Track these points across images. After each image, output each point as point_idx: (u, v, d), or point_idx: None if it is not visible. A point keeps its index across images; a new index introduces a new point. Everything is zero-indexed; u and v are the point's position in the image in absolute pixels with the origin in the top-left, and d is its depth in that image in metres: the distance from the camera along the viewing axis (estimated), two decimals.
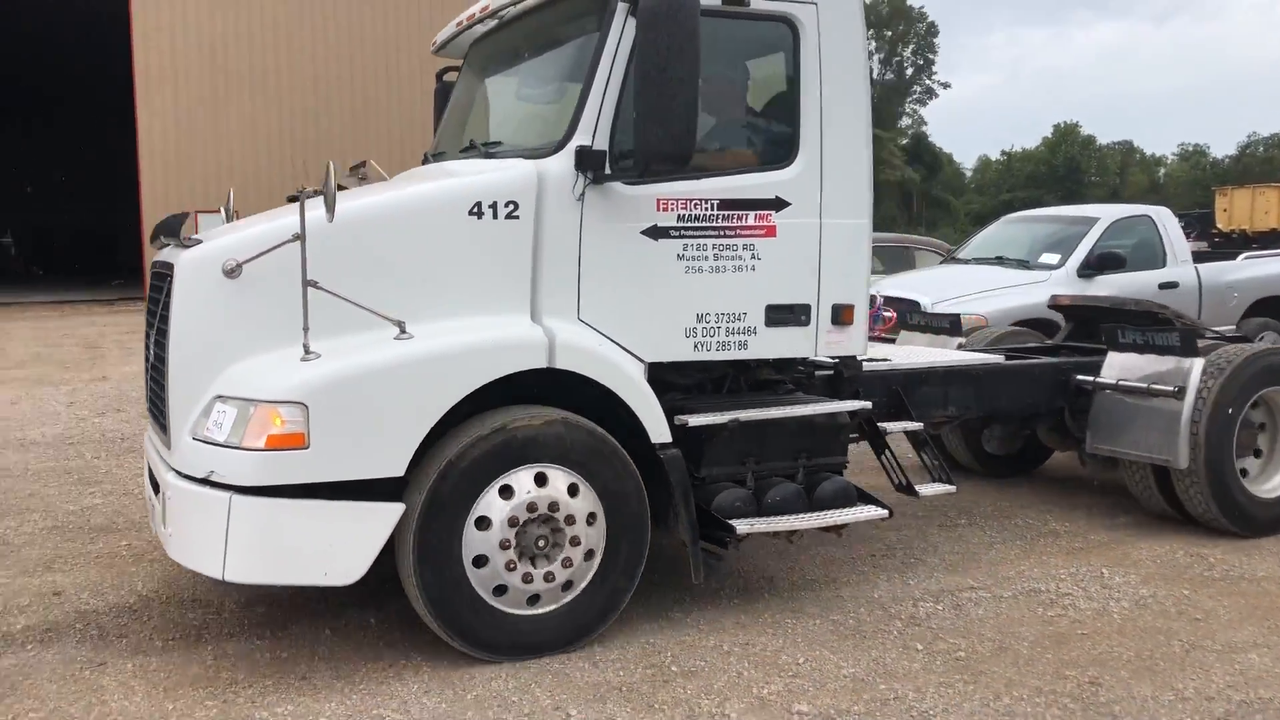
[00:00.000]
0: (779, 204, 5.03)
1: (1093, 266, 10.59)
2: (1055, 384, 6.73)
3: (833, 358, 5.46)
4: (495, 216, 4.59)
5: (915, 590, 5.56)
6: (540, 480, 4.49)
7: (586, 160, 4.65)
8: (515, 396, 4.58)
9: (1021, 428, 7.28)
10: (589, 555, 4.63)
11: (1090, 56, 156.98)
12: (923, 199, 74.86)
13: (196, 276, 4.41)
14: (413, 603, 4.51)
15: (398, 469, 4.27)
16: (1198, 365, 6.14)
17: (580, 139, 4.67)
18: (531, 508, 4.47)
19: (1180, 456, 6.10)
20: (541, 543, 4.53)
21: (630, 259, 4.79)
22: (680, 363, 5.06)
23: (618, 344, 4.78)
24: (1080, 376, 6.65)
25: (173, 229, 4.68)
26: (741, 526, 4.89)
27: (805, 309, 5.14)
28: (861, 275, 5.27)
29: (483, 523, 4.42)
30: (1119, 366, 6.50)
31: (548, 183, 4.65)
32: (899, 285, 11.02)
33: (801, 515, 5.07)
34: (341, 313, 4.32)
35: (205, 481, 4.24)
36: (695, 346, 4.95)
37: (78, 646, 4.79)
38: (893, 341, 8.13)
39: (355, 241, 4.48)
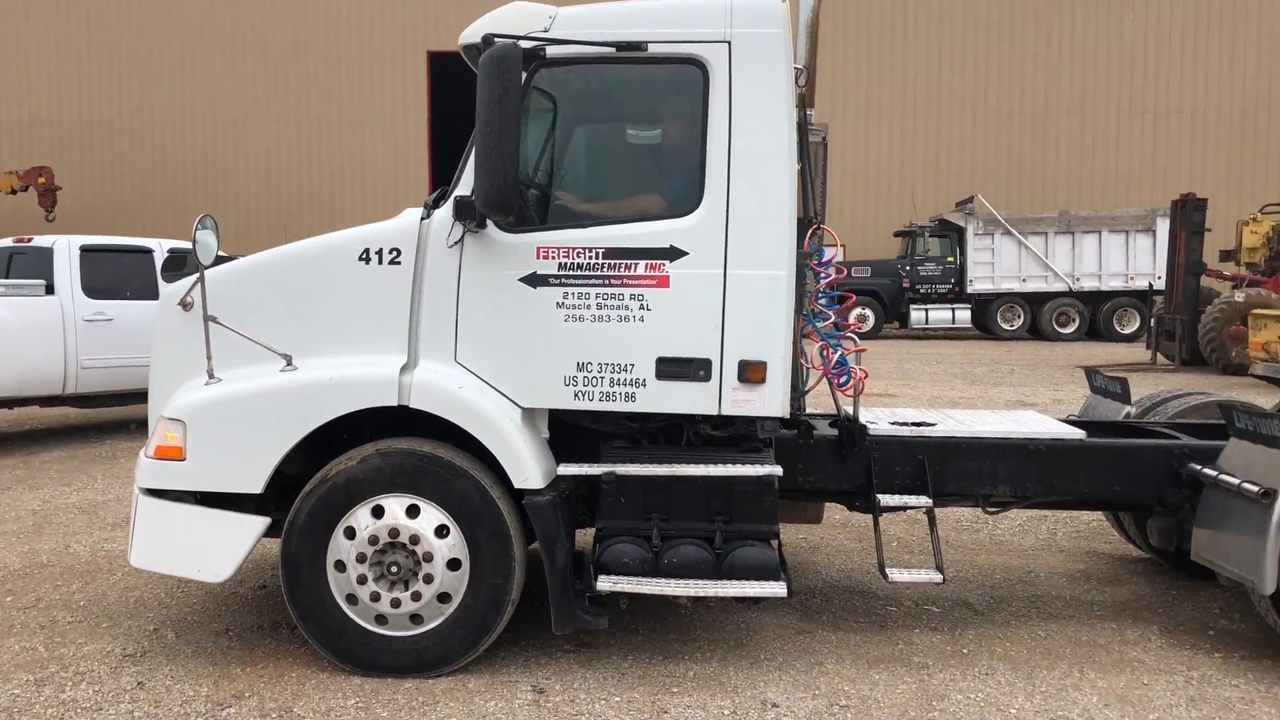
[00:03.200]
0: (674, 253, 4.82)
1: None
2: (1162, 470, 5.48)
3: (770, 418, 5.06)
4: (381, 262, 4.99)
5: None
6: (378, 512, 4.81)
7: (463, 210, 4.87)
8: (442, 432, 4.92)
9: (1180, 521, 5.95)
10: (453, 565, 4.84)
11: None
12: None
13: (166, 308, 5.33)
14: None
15: (255, 486, 4.86)
16: None
17: (461, 189, 4.90)
18: (374, 540, 4.80)
19: (1265, 579, 4.72)
20: (395, 568, 4.84)
21: (507, 305, 4.91)
22: (604, 413, 5.05)
23: (494, 388, 4.93)
24: (1192, 465, 5.36)
25: (180, 263, 5.66)
26: (603, 583, 4.80)
27: (705, 364, 4.85)
28: (778, 331, 4.83)
29: (340, 566, 4.86)
30: (1230, 456, 5.15)
31: (430, 231, 4.95)
32: None
33: (689, 581, 4.83)
34: (252, 346, 5.00)
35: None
36: (575, 395, 4.91)
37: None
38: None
39: (266, 282, 5.13)
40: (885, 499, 5.34)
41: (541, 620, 5.07)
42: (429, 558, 4.82)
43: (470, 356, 4.95)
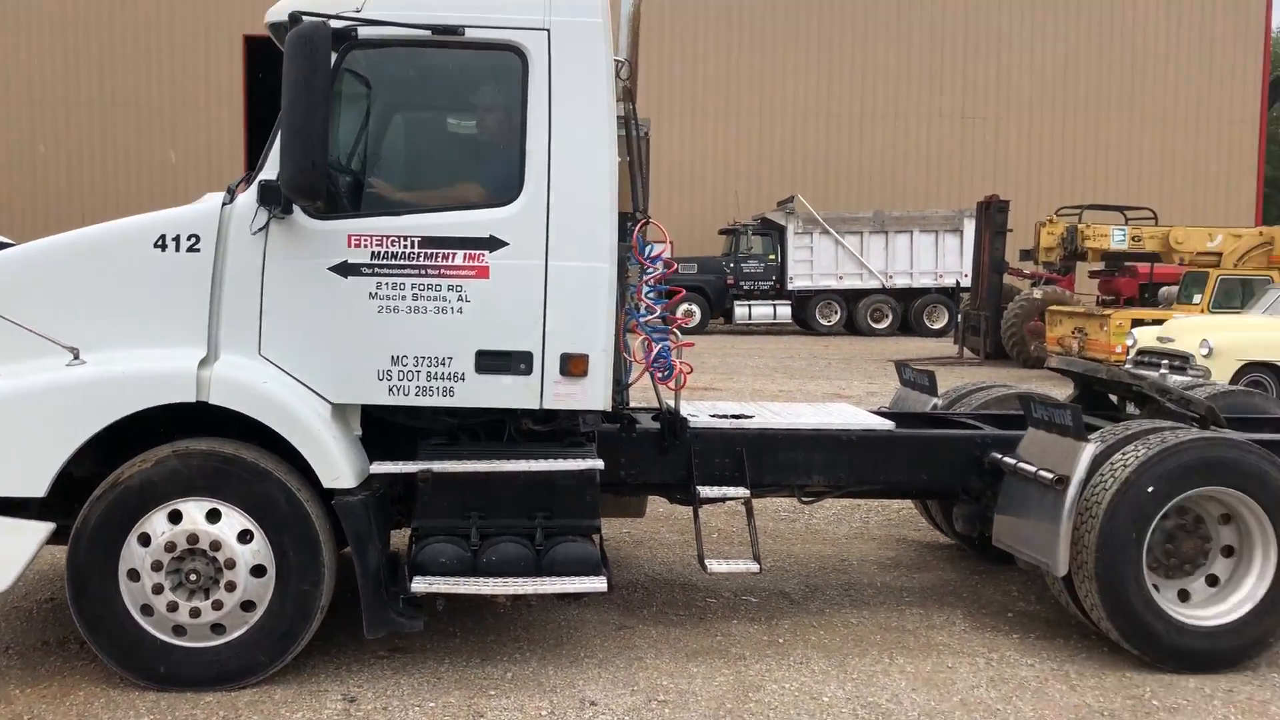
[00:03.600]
0: (494, 244, 4.71)
1: None
2: (966, 459, 5.70)
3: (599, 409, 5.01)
4: (178, 249, 4.69)
5: None
6: (175, 518, 4.53)
7: (268, 194, 4.62)
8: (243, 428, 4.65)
9: (983, 508, 6.19)
10: (257, 571, 4.59)
11: None
12: None
13: None
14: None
15: (37, 490, 4.50)
16: (1086, 452, 4.95)
17: (267, 173, 4.65)
18: (170, 547, 4.52)
19: (1059, 561, 4.96)
20: (194, 576, 4.56)
21: (316, 296, 4.69)
22: (421, 408, 4.88)
23: (302, 383, 4.70)
24: (994, 454, 5.59)
25: None
26: (418, 584, 4.65)
27: (526, 357, 4.76)
28: (599, 323, 4.78)
29: (133, 575, 4.54)
30: (1028, 445, 5.40)
31: (231, 217, 4.68)
32: None
33: (509, 580, 4.74)
34: (35, 339, 4.61)
35: None
36: (390, 390, 4.74)
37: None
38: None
39: (50, 270, 4.76)
40: (705, 491, 5.37)
41: (354, 625, 4.87)
42: (231, 564, 4.56)
43: (276, 350, 4.71)
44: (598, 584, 4.73)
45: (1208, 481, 4.97)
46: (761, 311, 29.47)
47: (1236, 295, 18.06)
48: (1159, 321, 16.76)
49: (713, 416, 5.75)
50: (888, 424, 5.80)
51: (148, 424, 4.66)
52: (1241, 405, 6.58)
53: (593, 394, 4.82)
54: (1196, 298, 18.30)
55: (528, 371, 4.77)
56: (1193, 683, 4.96)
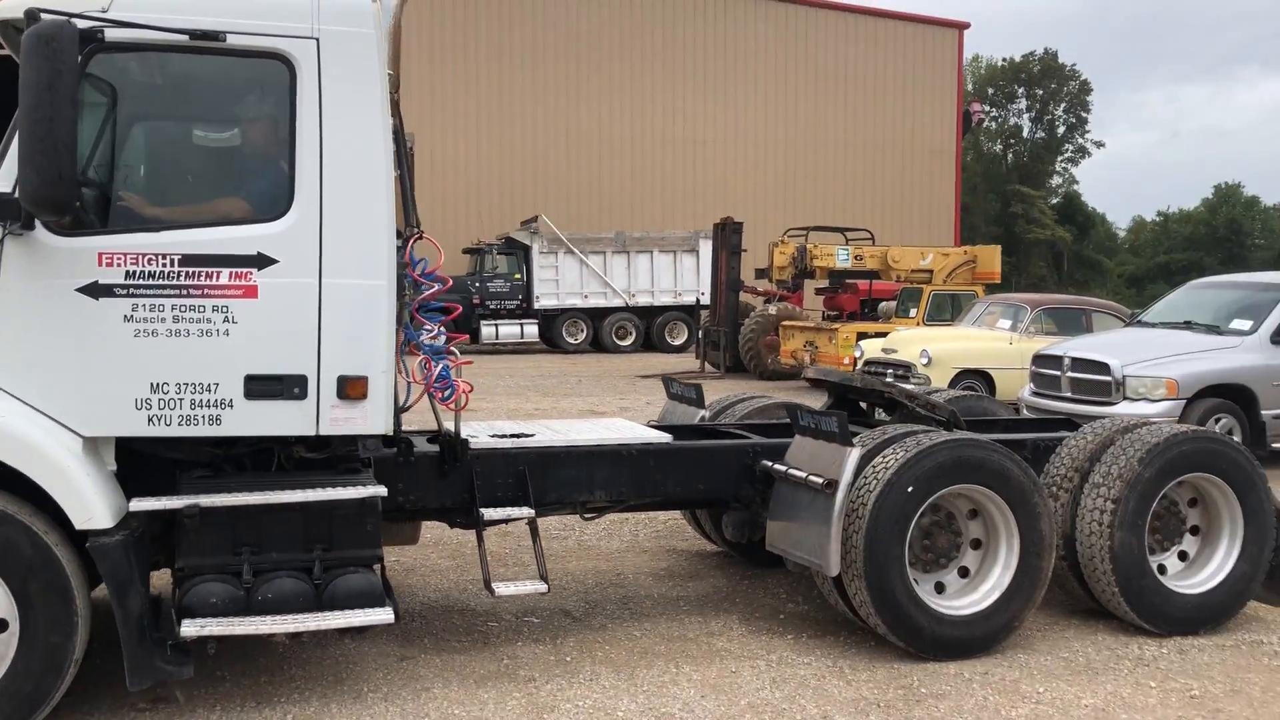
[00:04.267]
0: (261, 261, 4.45)
1: None
2: (739, 468, 5.90)
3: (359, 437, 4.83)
4: None
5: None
6: None
7: (3, 208, 4.18)
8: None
9: (752, 516, 6.40)
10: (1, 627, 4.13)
11: (1256, 115, 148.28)
12: (1073, 259, 72.69)
13: None
14: None
15: None
16: (853, 456, 5.24)
17: (0, 184, 4.21)
18: None
19: (830, 562, 5.21)
20: None
21: (62, 320, 4.28)
22: (174, 439, 4.53)
23: (47, 415, 4.27)
24: (764, 461, 5.81)
25: None
26: (188, 628, 4.31)
27: (300, 380, 4.53)
28: (378, 343, 4.62)
29: None
30: (796, 452, 5.64)
31: None
32: (1087, 347, 11.96)
33: (286, 616, 4.46)
34: None
35: None
36: (150, 420, 4.39)
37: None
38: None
39: None
40: (489, 513, 5.28)
41: (112, 676, 4.46)
42: None
43: (14, 380, 4.26)
44: (384, 615, 4.55)
45: (959, 480, 5.36)
46: (508, 331, 29.43)
47: (947, 309, 19.68)
48: (882, 334, 18.00)
49: (493, 436, 5.67)
50: (665, 437, 5.92)
51: None
52: (974, 408, 7.15)
53: (373, 418, 4.64)
54: (913, 311, 19.77)
55: (302, 396, 4.53)
56: (953, 669, 5.31)
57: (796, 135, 37.87)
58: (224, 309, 4.42)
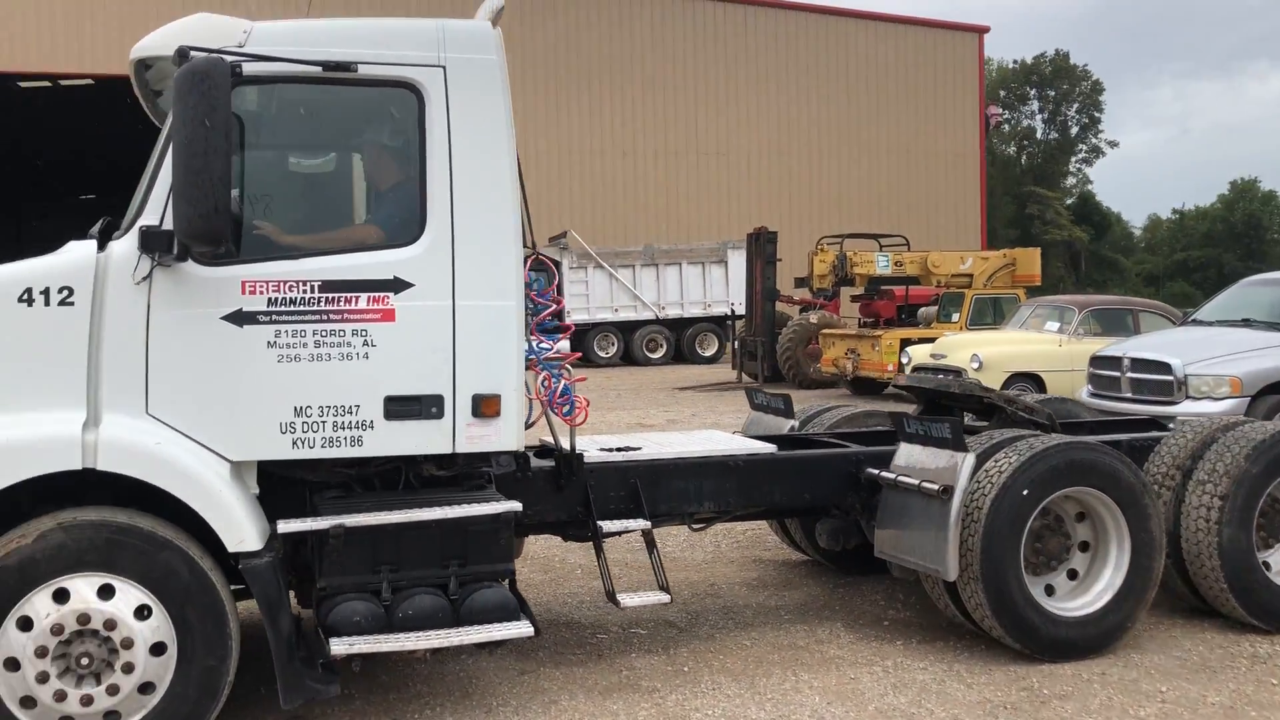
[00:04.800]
0: (398, 285, 4.56)
1: None
2: (844, 477, 5.96)
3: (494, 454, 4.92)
4: (48, 303, 4.28)
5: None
6: (61, 597, 4.10)
7: (152, 241, 4.30)
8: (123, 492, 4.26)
9: (856, 522, 6.46)
10: (156, 649, 4.21)
11: (1266, 110, 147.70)
12: (1091, 259, 72.57)
13: None
14: None
15: None
16: (967, 461, 5.30)
17: (148, 218, 4.33)
18: (58, 629, 4.08)
19: (949, 566, 5.27)
20: (86, 660, 4.13)
21: (209, 348, 4.39)
22: (318, 460, 4.63)
23: (197, 441, 4.38)
24: (870, 469, 5.87)
25: None
26: (338, 646, 4.39)
27: (437, 400, 4.63)
28: (509, 362, 4.72)
29: (12, 664, 4.07)
30: (904, 460, 5.70)
31: (109, 267, 4.32)
32: (1147, 347, 11.84)
33: (430, 633, 4.55)
34: None
35: None
36: (294, 443, 4.49)
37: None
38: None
39: None
40: (607, 525, 5.36)
41: (251, 697, 4.55)
42: (128, 644, 4.16)
43: (165, 408, 4.36)
44: (523, 629, 4.63)
45: (1072, 482, 5.41)
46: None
47: (988, 313, 19.70)
48: (927, 340, 18.02)
49: (601, 450, 5.75)
50: (770, 447, 5.99)
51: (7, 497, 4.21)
52: (1061, 411, 7.19)
53: (506, 435, 4.74)
54: (955, 316, 19.79)
55: (439, 415, 4.63)
56: (1069, 670, 5.36)
57: (821, 143, 37.94)
58: (363, 332, 4.52)
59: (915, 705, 4.99)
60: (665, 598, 5.24)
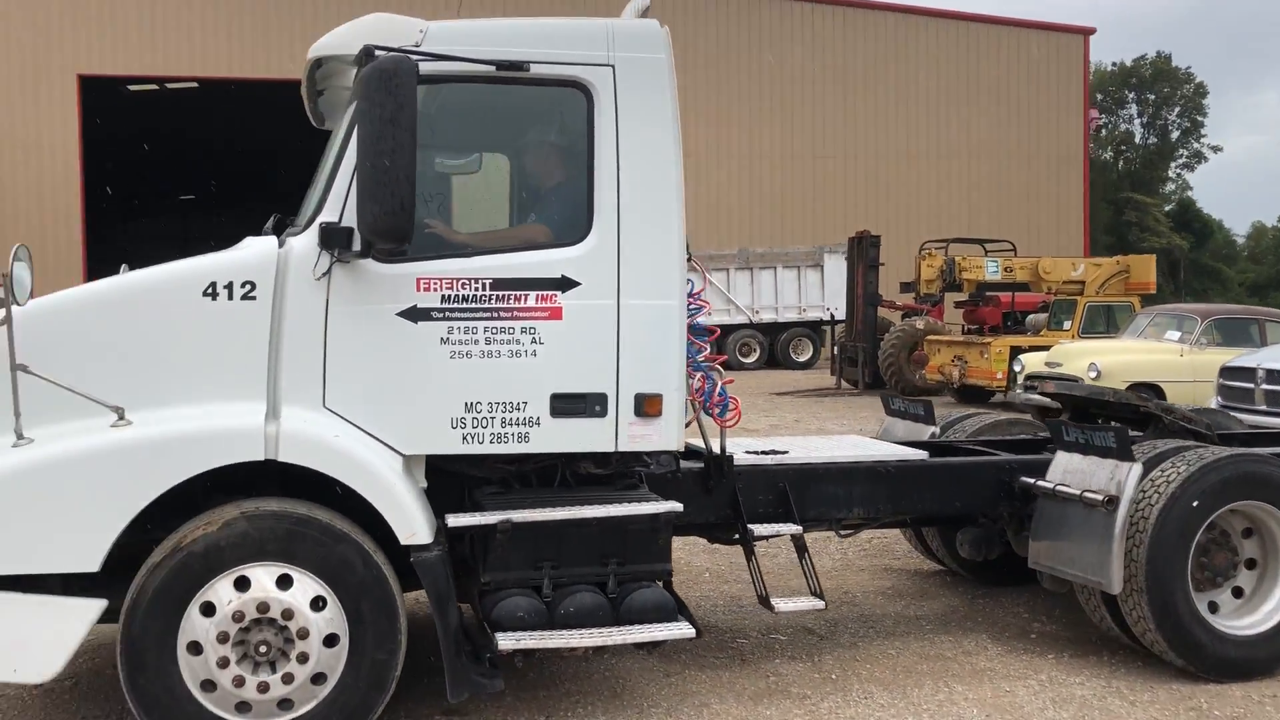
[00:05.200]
0: (566, 284, 4.58)
1: None
2: (996, 485, 5.83)
3: (651, 452, 4.91)
4: (231, 298, 4.38)
5: None
6: (242, 584, 4.19)
7: (331, 238, 4.37)
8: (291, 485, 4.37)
9: (999, 532, 6.31)
10: (330, 640, 4.27)
11: None
12: (1190, 268, 70.62)
13: None
14: None
15: (90, 565, 4.09)
16: (1134, 472, 5.14)
17: (327, 215, 4.41)
18: (238, 616, 4.17)
19: (1113, 580, 5.11)
20: (263, 648, 4.22)
21: (385, 343, 4.46)
22: (482, 456, 4.67)
23: (371, 435, 4.45)
24: (1024, 478, 5.73)
25: None
26: (505, 642, 4.42)
27: (601, 399, 4.63)
28: (671, 362, 4.71)
29: (195, 648, 4.16)
30: (1062, 469, 5.56)
31: (289, 262, 4.41)
32: None
33: (592, 631, 4.55)
34: (72, 398, 4.21)
35: None
36: (464, 439, 4.53)
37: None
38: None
39: (85, 323, 4.38)
40: (757, 528, 5.31)
41: (402, 690, 4.59)
42: (304, 634, 4.23)
43: (341, 401, 4.44)
44: (685, 630, 4.61)
45: (1243, 495, 5.23)
46: None
47: (1101, 320, 19.22)
48: (1038, 348, 17.62)
49: (747, 453, 5.71)
50: (920, 454, 5.89)
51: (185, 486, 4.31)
52: (1215, 423, 6.95)
53: (666, 434, 4.73)
54: (1066, 324, 19.33)
55: (603, 413, 4.64)
56: (1238, 691, 5.17)
57: (920, 147, 37.37)
58: (531, 330, 4.55)
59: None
60: (820, 604, 5.17)
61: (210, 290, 4.37)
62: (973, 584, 7.11)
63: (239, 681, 4.19)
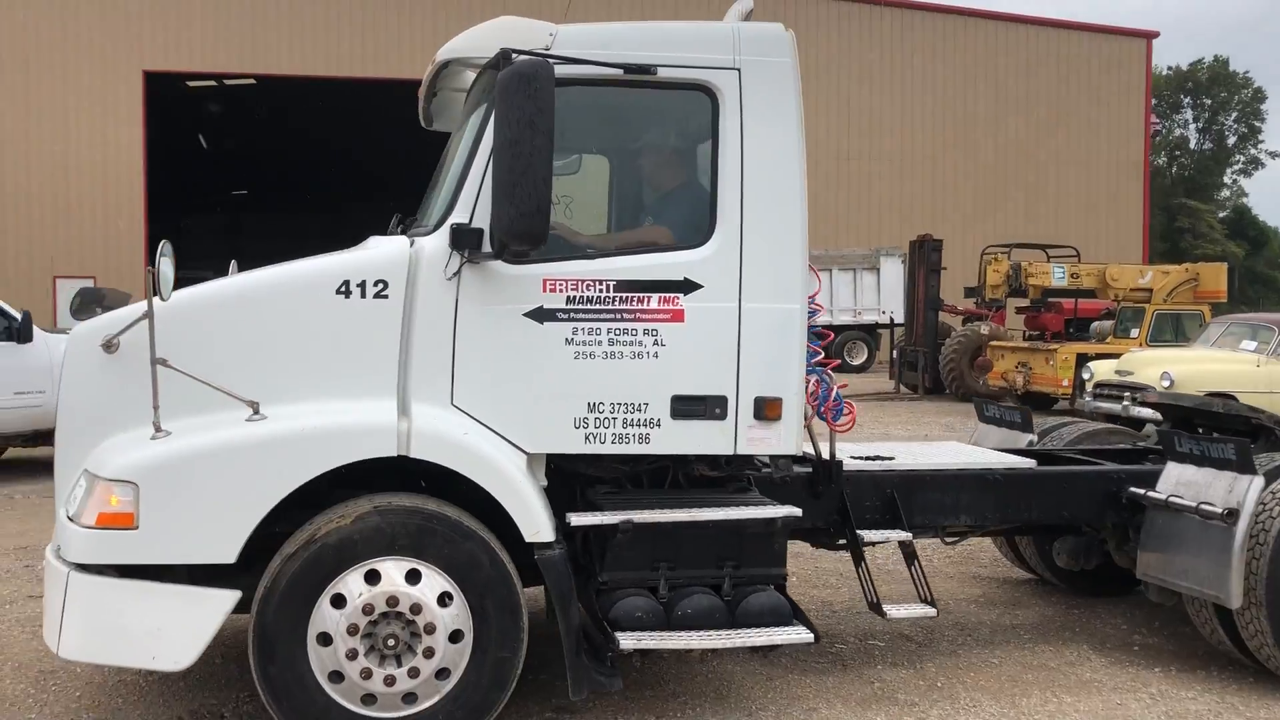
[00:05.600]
0: (688, 286, 4.59)
1: None
2: (1104, 495, 5.77)
3: (769, 456, 4.92)
4: (364, 296, 4.44)
5: None
6: (372, 578, 4.25)
7: (462, 238, 4.42)
8: (408, 480, 4.43)
9: (1099, 541, 6.24)
10: (454, 636, 4.32)
11: None
12: (1245, 276, 69.51)
13: (81, 350, 4.50)
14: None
15: (228, 556, 4.17)
16: (1255, 484, 5.07)
17: (458, 216, 4.46)
18: (368, 609, 4.23)
19: (1232, 594, 5.05)
20: (392, 641, 4.27)
21: (511, 342, 4.50)
22: (599, 455, 4.71)
23: (496, 433, 4.49)
24: (1134, 489, 5.67)
25: (92, 300, 4.84)
26: (627, 642, 4.44)
27: (721, 401, 4.64)
28: (792, 365, 4.71)
29: (324, 639, 4.23)
30: (1174, 480, 5.49)
31: (420, 261, 4.46)
32: None
33: (710, 633, 4.57)
34: (205, 391, 4.29)
35: (59, 556, 4.30)
36: (587, 438, 4.56)
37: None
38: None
39: (220, 318, 4.46)
40: (867, 534, 5.30)
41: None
42: (430, 629, 4.28)
43: (469, 399, 4.49)
44: (803, 635, 4.61)
45: None
46: None
47: (1169, 328, 18.95)
48: (1105, 355, 17.40)
49: (853, 458, 5.69)
50: (1028, 462, 5.85)
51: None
52: None
53: (786, 438, 4.73)
54: (1133, 331, 19.09)
55: (722, 416, 4.65)
56: None
57: (978, 150, 37.04)
58: (654, 332, 4.57)
59: None
60: (932, 611, 5.14)
61: (343, 288, 4.43)
62: (1066, 594, 7.04)
63: (366, 674, 4.25)
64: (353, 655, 4.23)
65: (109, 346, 4.38)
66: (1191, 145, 77.68)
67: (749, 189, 4.64)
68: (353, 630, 4.23)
